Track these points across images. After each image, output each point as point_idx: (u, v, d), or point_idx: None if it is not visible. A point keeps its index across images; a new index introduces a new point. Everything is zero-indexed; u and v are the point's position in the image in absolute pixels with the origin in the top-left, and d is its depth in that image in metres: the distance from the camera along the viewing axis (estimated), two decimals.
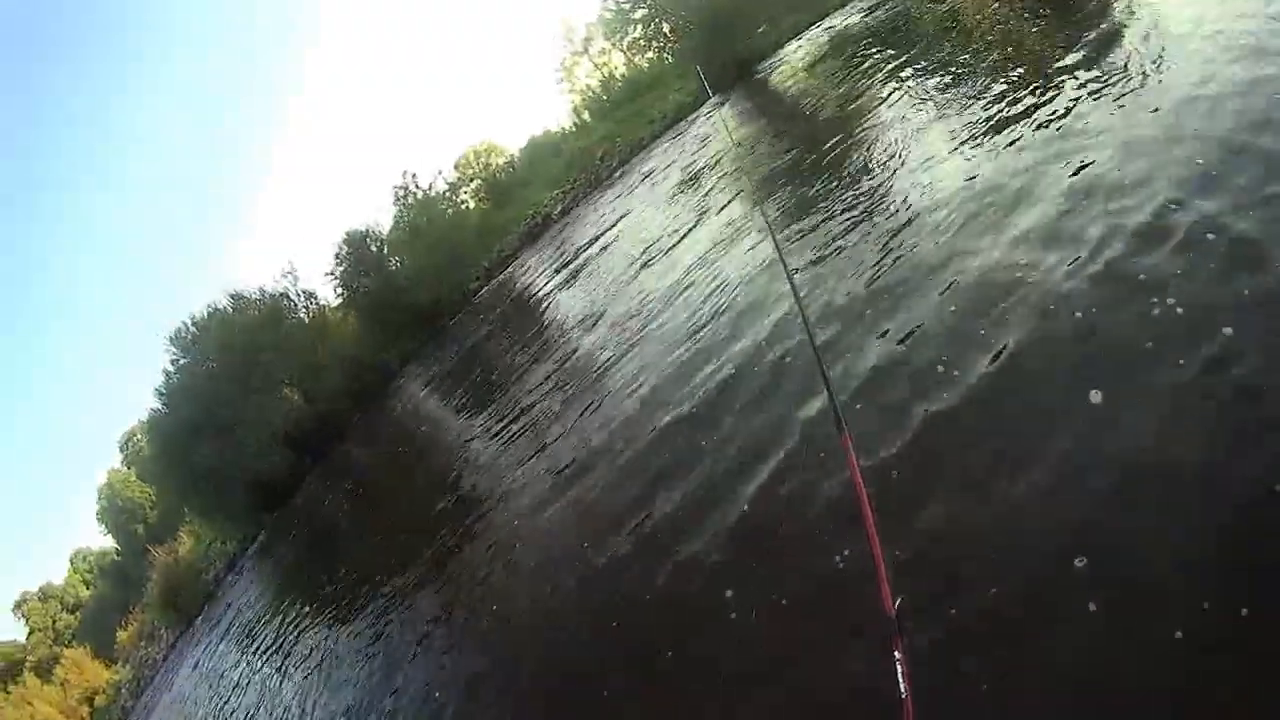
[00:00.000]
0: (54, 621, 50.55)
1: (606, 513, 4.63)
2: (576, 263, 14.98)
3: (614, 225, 15.38)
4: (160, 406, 27.18)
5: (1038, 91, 5.63)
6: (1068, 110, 5.00)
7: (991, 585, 2.22)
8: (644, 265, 9.73)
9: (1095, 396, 2.60)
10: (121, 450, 41.82)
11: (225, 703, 10.25)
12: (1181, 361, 2.52)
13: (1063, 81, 5.48)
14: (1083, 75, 5.37)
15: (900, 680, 1.17)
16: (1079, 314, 3.08)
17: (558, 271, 16.27)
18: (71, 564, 53.43)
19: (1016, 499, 2.47)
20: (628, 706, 3.13)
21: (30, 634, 49.77)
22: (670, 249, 9.46)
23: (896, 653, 1.19)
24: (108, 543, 45.93)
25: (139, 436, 34.39)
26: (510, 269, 25.59)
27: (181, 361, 26.95)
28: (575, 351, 8.87)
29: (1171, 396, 2.44)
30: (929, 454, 2.95)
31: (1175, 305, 2.74)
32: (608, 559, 4.20)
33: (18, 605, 52.18)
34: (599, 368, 7.46)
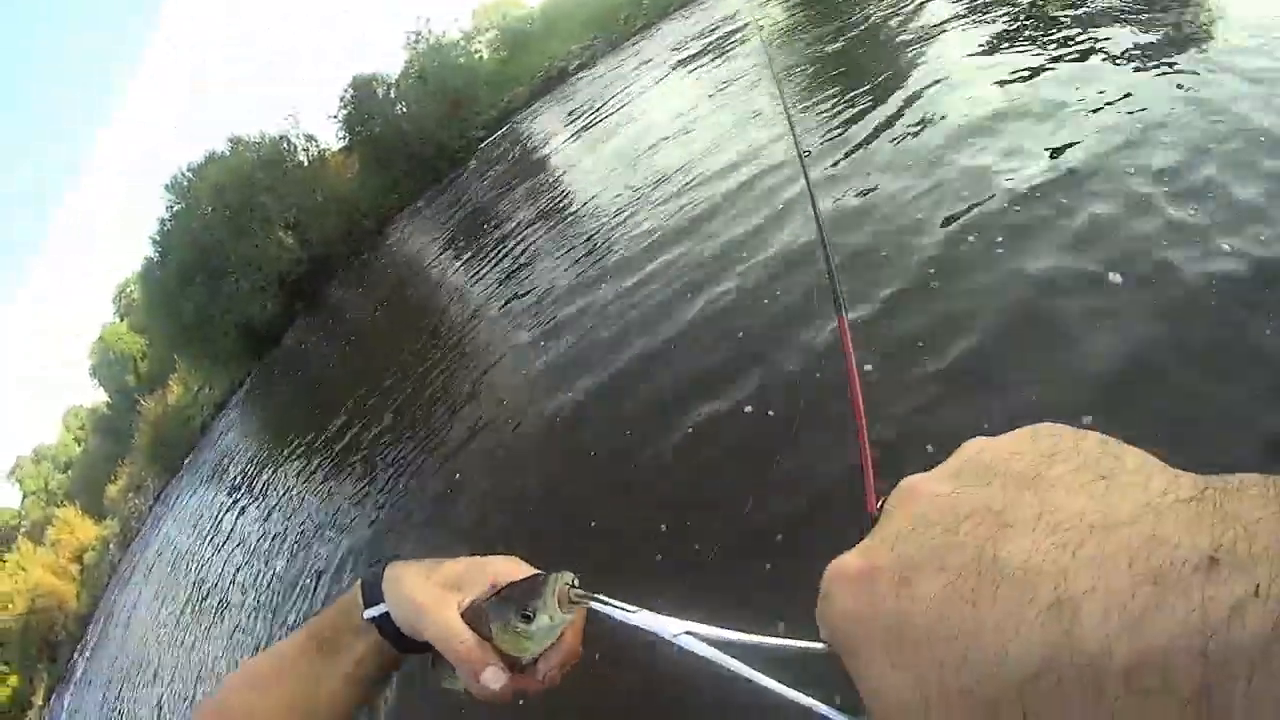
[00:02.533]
0: (47, 483, 50.78)
1: (592, 372, 4.58)
2: (584, 123, 14.46)
3: (627, 89, 14.74)
4: (154, 255, 26.96)
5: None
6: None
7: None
8: (656, 135, 9.17)
9: (1115, 278, 2.56)
10: (115, 304, 41.74)
11: (206, 549, 10.37)
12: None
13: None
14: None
15: None
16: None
17: (565, 129, 15.75)
18: (64, 423, 53.57)
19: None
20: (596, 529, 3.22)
21: (24, 498, 50.44)
22: (683, 119, 8.92)
23: None
24: (100, 397, 46.33)
25: (132, 288, 34.20)
26: (518, 122, 24.90)
27: (177, 208, 26.53)
28: (574, 212, 8.56)
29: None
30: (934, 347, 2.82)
31: None
32: (591, 414, 4.20)
33: (12, 471, 52.97)
34: (598, 230, 7.18)
